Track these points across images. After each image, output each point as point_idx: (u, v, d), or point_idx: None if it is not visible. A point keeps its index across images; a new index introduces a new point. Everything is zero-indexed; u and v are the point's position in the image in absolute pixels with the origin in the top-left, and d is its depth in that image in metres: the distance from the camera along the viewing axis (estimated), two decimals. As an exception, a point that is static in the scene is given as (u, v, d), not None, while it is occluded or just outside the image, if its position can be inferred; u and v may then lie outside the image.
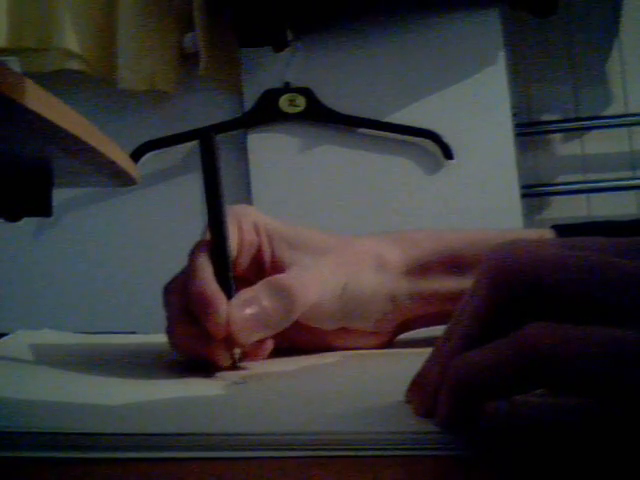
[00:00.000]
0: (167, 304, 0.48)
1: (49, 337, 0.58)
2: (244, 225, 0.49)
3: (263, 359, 0.47)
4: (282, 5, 1.55)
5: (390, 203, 1.59)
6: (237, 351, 0.45)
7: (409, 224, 1.50)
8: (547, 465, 0.26)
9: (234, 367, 0.45)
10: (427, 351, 0.32)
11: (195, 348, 0.45)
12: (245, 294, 0.46)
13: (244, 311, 0.45)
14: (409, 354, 0.48)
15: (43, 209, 0.60)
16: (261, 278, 0.48)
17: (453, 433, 0.28)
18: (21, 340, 0.55)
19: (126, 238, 1.75)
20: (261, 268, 0.50)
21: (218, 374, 0.44)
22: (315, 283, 0.48)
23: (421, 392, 0.31)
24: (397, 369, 0.44)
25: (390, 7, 1.58)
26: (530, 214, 1.69)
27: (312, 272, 0.49)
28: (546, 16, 1.60)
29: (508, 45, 1.62)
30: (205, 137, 0.48)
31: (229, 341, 0.44)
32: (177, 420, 0.33)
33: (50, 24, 1.61)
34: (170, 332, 0.47)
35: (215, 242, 0.47)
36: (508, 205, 1.54)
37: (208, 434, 0.30)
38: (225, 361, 0.45)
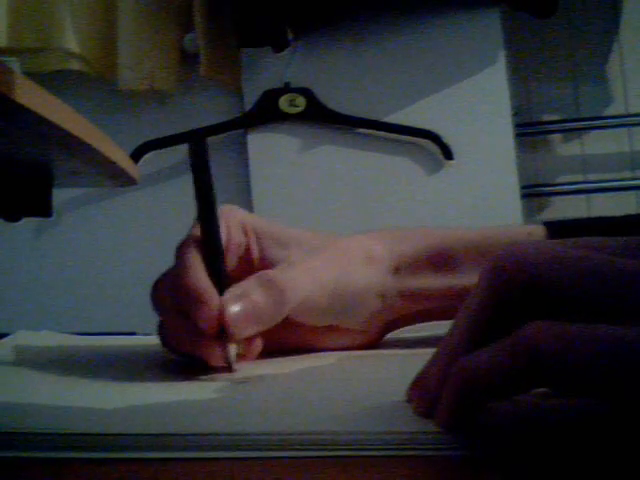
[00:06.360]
0: (156, 302, 0.47)
1: (49, 338, 0.58)
2: (231, 225, 0.49)
3: (253, 359, 0.47)
4: (282, 5, 1.55)
5: (390, 203, 1.59)
6: (232, 350, 0.44)
7: (409, 224, 1.50)
8: (548, 465, 0.26)
9: (229, 369, 0.44)
10: (427, 352, 0.32)
11: (187, 346, 0.45)
12: (235, 289, 0.45)
13: (236, 305, 0.44)
14: (409, 355, 0.48)
15: (43, 209, 0.60)
16: None
17: (453, 433, 0.28)
18: (21, 341, 0.55)
19: (126, 238, 1.75)
20: (250, 268, 0.49)
21: (218, 375, 0.44)
22: (305, 277, 0.48)
23: (422, 392, 0.31)
24: (397, 369, 0.44)
25: (390, 7, 1.58)
26: (530, 214, 1.69)
27: (302, 266, 0.48)
28: (546, 17, 1.60)
29: (508, 45, 1.62)
30: (196, 143, 0.47)
31: (221, 337, 0.44)
32: (177, 420, 0.33)
33: (50, 24, 1.61)
34: (161, 330, 0.47)
35: (207, 237, 0.46)
36: (508, 205, 1.54)
37: (208, 434, 0.30)
38: (217, 359, 0.44)
